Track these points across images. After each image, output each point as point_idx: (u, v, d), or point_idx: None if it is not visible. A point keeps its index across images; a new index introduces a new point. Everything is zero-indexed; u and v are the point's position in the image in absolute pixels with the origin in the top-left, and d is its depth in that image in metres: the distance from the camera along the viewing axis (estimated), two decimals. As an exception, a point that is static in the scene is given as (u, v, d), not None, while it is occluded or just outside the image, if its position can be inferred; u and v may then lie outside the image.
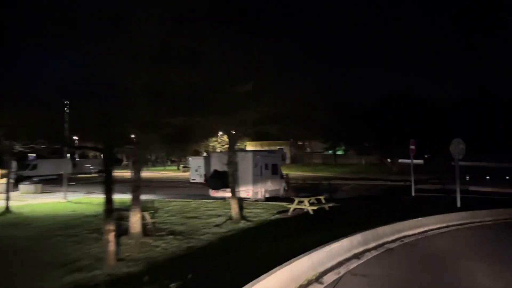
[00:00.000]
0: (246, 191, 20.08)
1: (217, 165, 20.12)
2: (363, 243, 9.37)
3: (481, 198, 20.26)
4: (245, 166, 19.88)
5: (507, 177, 34.40)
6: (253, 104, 11.55)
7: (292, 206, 16.15)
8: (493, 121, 42.93)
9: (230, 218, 14.78)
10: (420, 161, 62.21)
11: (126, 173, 15.63)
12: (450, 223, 13.11)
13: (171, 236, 12.20)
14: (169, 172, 56.19)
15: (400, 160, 49.42)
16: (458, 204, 16.45)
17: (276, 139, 70.49)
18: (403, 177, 37.69)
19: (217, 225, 14.05)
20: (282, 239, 11.01)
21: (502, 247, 10.62)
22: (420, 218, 12.32)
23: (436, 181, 32.43)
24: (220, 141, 53.94)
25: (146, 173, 50.76)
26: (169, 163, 73.12)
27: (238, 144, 56.19)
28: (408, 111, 42.01)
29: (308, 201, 16.13)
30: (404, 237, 11.15)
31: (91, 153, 59.22)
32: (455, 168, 16.83)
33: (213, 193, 20.44)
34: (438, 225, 12.60)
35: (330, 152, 64.83)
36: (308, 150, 69.72)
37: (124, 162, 55.36)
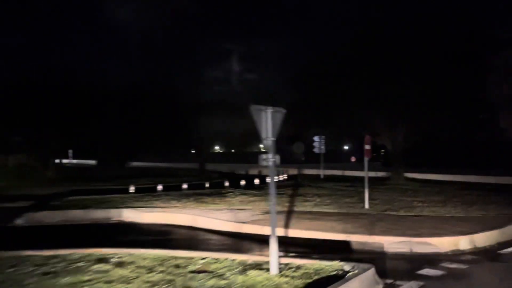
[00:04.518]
0: None
1: None
2: None
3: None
4: None
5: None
6: None
7: None
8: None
9: None
10: (93, 162, 51.61)
11: None
12: None
13: None
14: None
15: (65, 161, 37.43)
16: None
17: None
18: (66, 186, 26.00)
19: None
20: None
21: None
22: None
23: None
24: None
25: None
26: None
27: None
28: (57, 96, 30.37)
29: None
30: None
31: None
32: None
33: None
34: None
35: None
36: None
37: None
